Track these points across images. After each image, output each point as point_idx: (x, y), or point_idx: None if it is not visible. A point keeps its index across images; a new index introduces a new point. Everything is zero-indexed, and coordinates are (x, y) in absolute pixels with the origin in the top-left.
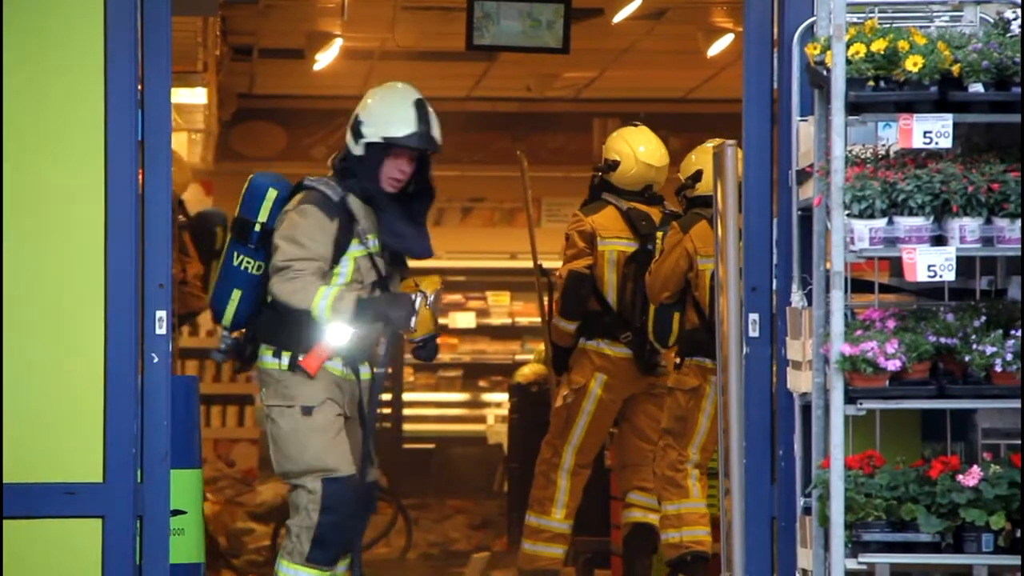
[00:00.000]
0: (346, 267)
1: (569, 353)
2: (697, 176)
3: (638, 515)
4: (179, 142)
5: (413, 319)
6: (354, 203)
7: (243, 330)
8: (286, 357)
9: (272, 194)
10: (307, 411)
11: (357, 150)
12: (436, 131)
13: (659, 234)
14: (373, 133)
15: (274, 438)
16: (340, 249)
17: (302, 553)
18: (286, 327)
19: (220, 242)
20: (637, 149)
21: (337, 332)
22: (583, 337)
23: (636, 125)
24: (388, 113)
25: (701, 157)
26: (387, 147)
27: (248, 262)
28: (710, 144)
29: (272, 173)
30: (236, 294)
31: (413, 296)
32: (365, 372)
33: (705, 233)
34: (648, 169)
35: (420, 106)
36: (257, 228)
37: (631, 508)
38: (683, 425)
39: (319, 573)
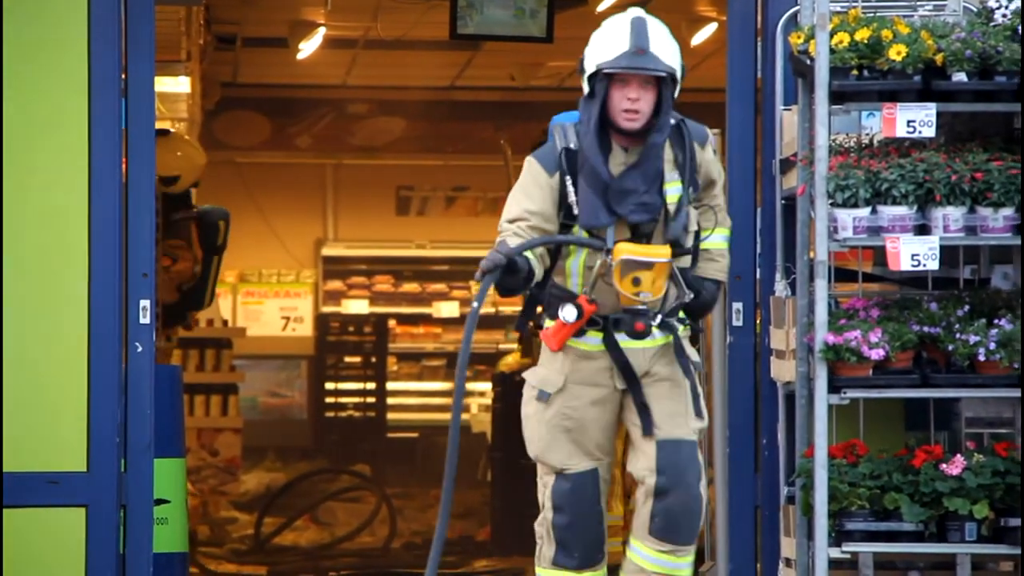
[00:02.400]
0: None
1: None
2: None
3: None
4: None
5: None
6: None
7: None
8: (547, 325)
9: None
10: (543, 397)
11: (585, 88)
12: (658, 48)
13: None
14: (590, 63)
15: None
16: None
17: (548, 557)
18: (547, 291)
19: (222, 238)
20: None
21: (569, 308)
22: None
23: None
24: (603, 37)
25: None
26: (609, 76)
27: None
28: None
29: (569, 113)
30: None
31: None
32: (652, 339)
33: None
34: None
35: (638, 24)
36: None
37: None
38: None
39: (569, 574)
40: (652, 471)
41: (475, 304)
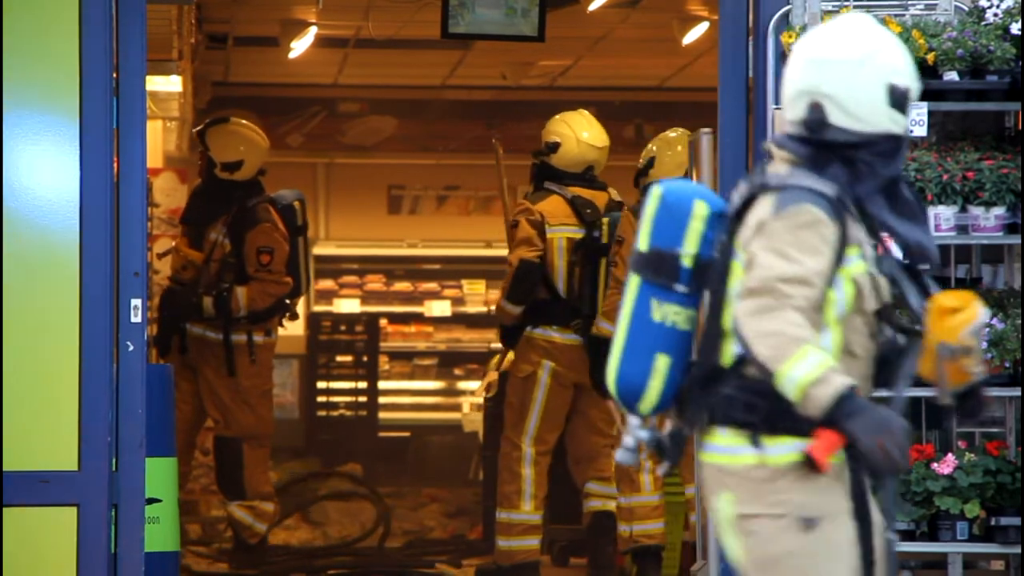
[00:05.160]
0: (843, 291)
1: (515, 331)
2: (650, 163)
3: (598, 504)
4: (154, 130)
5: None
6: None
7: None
8: (778, 445)
9: (701, 210)
10: (809, 524)
11: (847, 122)
12: None
13: (605, 220)
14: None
15: (760, 562)
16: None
17: None
18: (772, 393)
19: (301, 218)
20: (578, 130)
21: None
22: (529, 325)
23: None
24: (888, 54)
25: (657, 144)
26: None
27: (676, 313)
28: (672, 133)
29: (687, 181)
30: (662, 362)
31: (942, 355)
32: None
33: None
34: (589, 149)
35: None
36: (687, 263)
37: (590, 498)
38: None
39: None
40: None
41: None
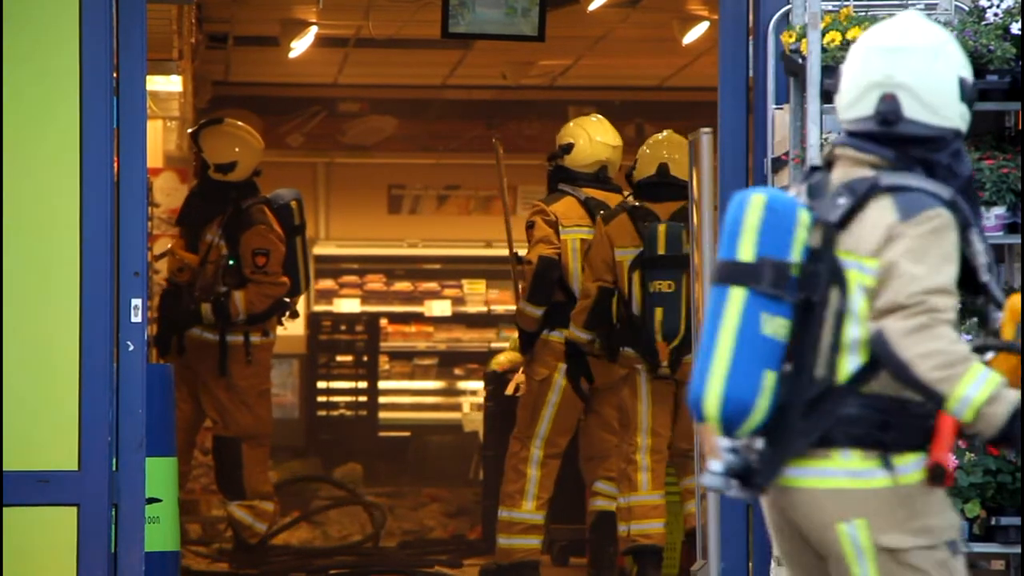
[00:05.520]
0: None
1: (535, 337)
2: (634, 164)
3: (603, 503)
4: (154, 130)
5: None
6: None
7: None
8: (907, 463)
9: (805, 218)
10: (954, 548)
11: (922, 114)
12: None
13: None
14: (954, 81)
15: None
16: None
17: None
18: (901, 409)
19: (299, 218)
20: (591, 131)
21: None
22: (546, 328)
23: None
24: (955, 47)
25: (645, 145)
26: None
27: (783, 326)
28: (660, 136)
29: (782, 192)
30: (770, 378)
31: None
32: None
33: (622, 225)
34: (603, 148)
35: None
36: (795, 272)
37: (596, 497)
38: (624, 416)
39: None
40: None
41: None
